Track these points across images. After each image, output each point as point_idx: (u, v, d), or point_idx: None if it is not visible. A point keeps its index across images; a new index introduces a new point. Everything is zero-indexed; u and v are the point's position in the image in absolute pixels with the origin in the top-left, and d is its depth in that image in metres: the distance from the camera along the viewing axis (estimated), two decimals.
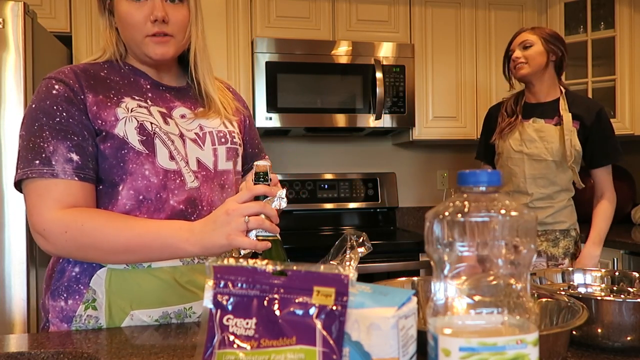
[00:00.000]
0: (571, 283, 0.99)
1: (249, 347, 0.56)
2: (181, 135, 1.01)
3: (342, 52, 2.47)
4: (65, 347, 0.82)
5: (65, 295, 0.97)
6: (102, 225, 0.89)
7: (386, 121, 2.52)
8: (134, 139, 0.96)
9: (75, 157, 0.93)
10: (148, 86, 1.04)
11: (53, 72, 0.98)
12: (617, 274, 0.97)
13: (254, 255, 0.80)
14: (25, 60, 1.81)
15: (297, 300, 0.56)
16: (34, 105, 0.95)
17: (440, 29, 2.69)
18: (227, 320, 0.57)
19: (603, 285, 0.97)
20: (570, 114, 1.85)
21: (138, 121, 0.97)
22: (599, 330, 0.76)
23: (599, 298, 0.77)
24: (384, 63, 2.50)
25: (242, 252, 0.80)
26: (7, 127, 1.79)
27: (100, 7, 1.03)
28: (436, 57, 2.69)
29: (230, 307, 0.57)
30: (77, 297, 0.97)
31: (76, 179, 0.92)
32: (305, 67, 2.45)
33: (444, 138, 2.70)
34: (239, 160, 1.13)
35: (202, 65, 1.08)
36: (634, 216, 2.80)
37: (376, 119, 2.49)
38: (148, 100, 1.02)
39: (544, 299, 0.79)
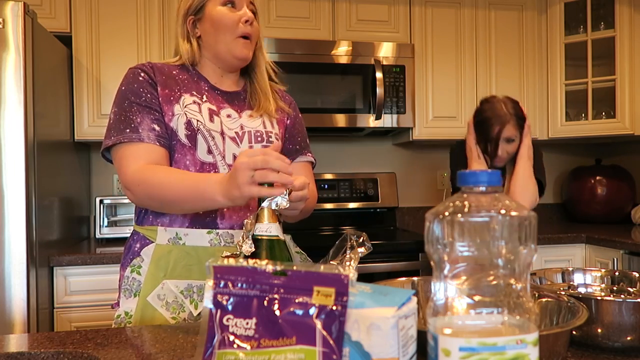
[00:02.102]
0: (571, 283, 0.99)
1: (249, 347, 0.56)
2: (222, 133, 1.16)
3: (342, 52, 2.47)
4: (65, 347, 0.82)
5: (127, 266, 1.15)
6: (162, 179, 1.05)
7: (386, 121, 2.52)
8: (181, 133, 1.13)
9: (157, 127, 1.12)
10: (206, 88, 1.21)
11: (137, 65, 1.19)
12: (617, 274, 0.97)
13: (256, 255, 0.80)
14: (25, 60, 1.81)
15: (297, 300, 0.56)
16: (123, 88, 1.15)
17: (440, 29, 2.69)
18: (227, 320, 0.57)
19: (603, 285, 0.97)
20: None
21: (187, 117, 1.13)
22: (599, 330, 0.76)
23: (599, 298, 0.77)
24: (384, 63, 2.50)
25: (244, 252, 0.80)
26: (7, 127, 1.79)
27: (184, 18, 1.21)
28: (436, 57, 2.69)
29: (230, 307, 0.57)
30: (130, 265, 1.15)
31: (157, 144, 1.11)
32: (305, 67, 2.45)
33: (444, 138, 2.70)
34: None
35: (261, 70, 1.27)
36: (634, 216, 2.80)
37: (376, 119, 2.49)
38: (204, 97, 1.19)
39: (544, 299, 0.79)
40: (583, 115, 2.74)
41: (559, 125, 2.76)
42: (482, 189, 0.55)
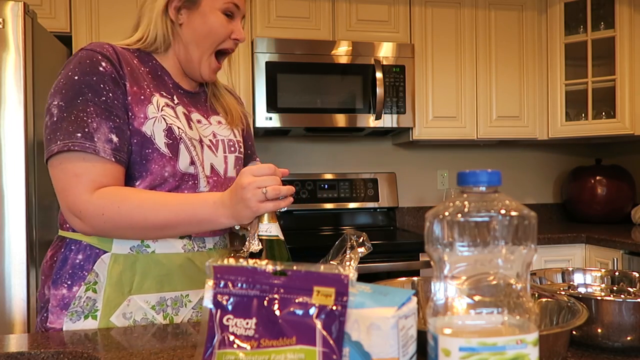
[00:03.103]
0: (571, 283, 0.99)
1: (249, 347, 0.56)
2: (200, 141, 1.05)
3: (342, 52, 2.47)
4: (65, 347, 0.82)
5: (69, 282, 0.98)
6: (138, 206, 0.92)
7: (386, 121, 2.52)
8: (160, 141, 0.98)
9: (115, 138, 0.94)
10: (171, 85, 1.07)
11: (94, 45, 0.97)
12: (617, 274, 0.97)
13: (258, 255, 0.81)
14: (25, 60, 1.81)
15: (297, 300, 0.56)
16: (76, 78, 0.94)
17: (440, 29, 2.69)
18: (227, 320, 0.57)
19: (603, 285, 0.97)
20: None
21: (167, 123, 0.99)
22: (599, 330, 0.76)
23: (599, 298, 0.77)
24: (384, 63, 2.50)
25: (253, 250, 0.81)
26: (7, 127, 1.79)
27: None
28: (436, 57, 2.69)
29: (230, 307, 0.57)
30: (80, 282, 0.98)
31: (113, 160, 0.94)
32: (305, 67, 2.45)
33: (444, 138, 2.70)
34: (241, 168, 1.17)
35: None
36: (634, 216, 2.80)
37: (376, 119, 2.49)
38: (175, 98, 1.05)
39: (544, 299, 0.79)
40: (583, 115, 2.74)
41: (559, 125, 2.76)
42: (482, 189, 0.55)
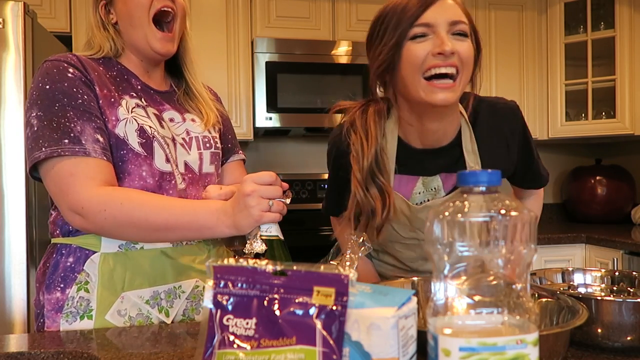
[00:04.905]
0: (571, 283, 0.99)
1: (249, 347, 0.56)
2: (173, 139, 1.04)
3: (342, 52, 2.47)
4: (65, 347, 0.82)
5: (61, 285, 0.98)
6: (141, 205, 0.91)
7: None
8: (133, 141, 0.98)
9: (100, 138, 0.94)
10: (139, 87, 1.06)
11: (58, 56, 0.98)
12: (617, 274, 0.97)
13: (258, 255, 0.81)
14: (25, 60, 1.81)
15: (297, 300, 0.56)
16: (48, 87, 0.94)
17: None
18: (227, 320, 0.57)
19: (603, 285, 0.97)
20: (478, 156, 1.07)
21: (138, 124, 0.99)
22: (599, 330, 0.76)
23: (599, 298, 0.77)
24: None
25: (257, 250, 0.81)
26: (7, 127, 1.79)
27: (94, 6, 1.05)
28: None
29: (230, 307, 0.57)
30: (72, 284, 0.98)
31: (104, 158, 0.94)
32: (305, 67, 2.45)
33: None
34: (219, 163, 1.18)
35: (192, 66, 1.14)
36: (634, 216, 2.80)
37: None
38: (143, 100, 1.04)
39: (544, 299, 0.79)
40: (583, 115, 2.74)
41: (559, 125, 2.76)
42: (482, 189, 0.55)
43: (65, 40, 2.29)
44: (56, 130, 0.92)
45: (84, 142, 0.92)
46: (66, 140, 0.91)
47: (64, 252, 1.00)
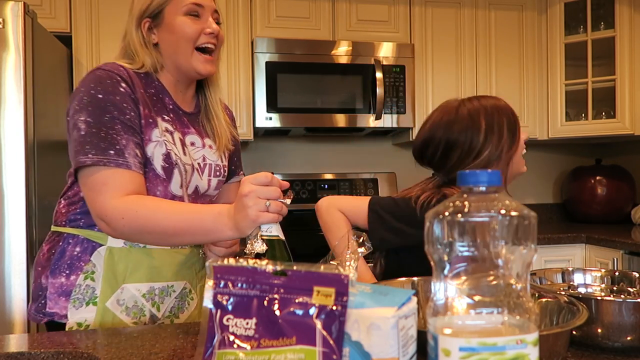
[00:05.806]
0: (571, 283, 0.99)
1: (249, 347, 0.56)
2: (192, 166, 1.12)
3: (342, 52, 2.47)
4: (65, 347, 0.82)
5: (67, 271, 1.06)
6: (154, 211, 0.96)
7: (386, 121, 2.52)
8: (157, 164, 1.06)
9: (139, 153, 1.02)
10: (170, 106, 1.13)
11: (111, 66, 1.04)
12: (617, 274, 0.97)
13: (259, 255, 0.81)
14: (25, 60, 1.81)
15: (297, 300, 0.56)
16: (100, 96, 1.00)
17: (440, 29, 2.69)
18: (227, 320, 0.57)
19: (603, 285, 0.97)
20: None
21: (167, 149, 1.06)
22: (599, 330, 0.76)
23: (599, 298, 0.77)
24: (384, 63, 2.50)
25: (258, 250, 0.81)
26: (7, 127, 1.79)
27: (138, 21, 1.10)
28: (436, 57, 2.69)
29: (230, 307, 0.57)
30: (78, 272, 1.06)
31: (140, 172, 1.02)
32: (305, 67, 2.45)
33: None
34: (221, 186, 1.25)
35: (216, 89, 1.20)
36: (634, 216, 2.80)
37: (376, 119, 2.49)
38: (172, 124, 1.11)
39: (544, 299, 0.79)
40: (583, 115, 2.74)
41: (559, 125, 2.76)
42: (482, 189, 0.55)
43: (65, 40, 2.29)
44: (103, 140, 0.98)
45: (126, 155, 0.99)
46: (112, 152, 0.98)
47: (70, 241, 1.08)
